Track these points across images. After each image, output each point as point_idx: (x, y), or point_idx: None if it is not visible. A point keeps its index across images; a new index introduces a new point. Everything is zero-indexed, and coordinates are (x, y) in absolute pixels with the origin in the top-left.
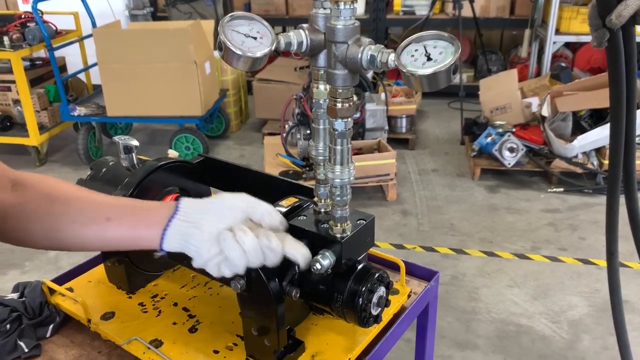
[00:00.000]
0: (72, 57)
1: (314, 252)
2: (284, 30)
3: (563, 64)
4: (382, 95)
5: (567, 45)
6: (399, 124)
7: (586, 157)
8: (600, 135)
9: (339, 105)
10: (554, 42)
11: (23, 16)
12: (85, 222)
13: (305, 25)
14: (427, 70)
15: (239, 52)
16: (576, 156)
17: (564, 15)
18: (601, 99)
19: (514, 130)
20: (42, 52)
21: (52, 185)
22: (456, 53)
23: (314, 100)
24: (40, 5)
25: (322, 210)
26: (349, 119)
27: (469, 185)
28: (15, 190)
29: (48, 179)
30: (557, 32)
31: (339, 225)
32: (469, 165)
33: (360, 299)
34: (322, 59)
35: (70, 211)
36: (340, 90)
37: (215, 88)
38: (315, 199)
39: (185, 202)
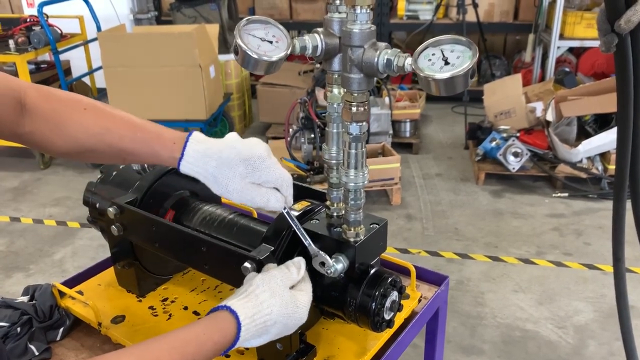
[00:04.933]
0: (76, 60)
1: (324, 253)
2: None
3: (567, 69)
4: (386, 99)
5: (571, 50)
6: (402, 128)
7: (591, 162)
8: (605, 140)
9: (354, 109)
10: (558, 47)
11: (28, 20)
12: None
13: (319, 29)
14: (445, 74)
15: (255, 56)
16: (581, 161)
17: (568, 20)
18: (606, 104)
19: (518, 134)
20: (47, 56)
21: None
22: (474, 57)
23: (327, 104)
24: (45, 9)
25: (335, 214)
26: (364, 123)
27: (473, 190)
28: (24, 115)
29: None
30: (561, 37)
31: (352, 229)
32: (473, 169)
33: (374, 304)
34: (336, 62)
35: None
36: (356, 94)
37: (220, 92)
38: (328, 202)
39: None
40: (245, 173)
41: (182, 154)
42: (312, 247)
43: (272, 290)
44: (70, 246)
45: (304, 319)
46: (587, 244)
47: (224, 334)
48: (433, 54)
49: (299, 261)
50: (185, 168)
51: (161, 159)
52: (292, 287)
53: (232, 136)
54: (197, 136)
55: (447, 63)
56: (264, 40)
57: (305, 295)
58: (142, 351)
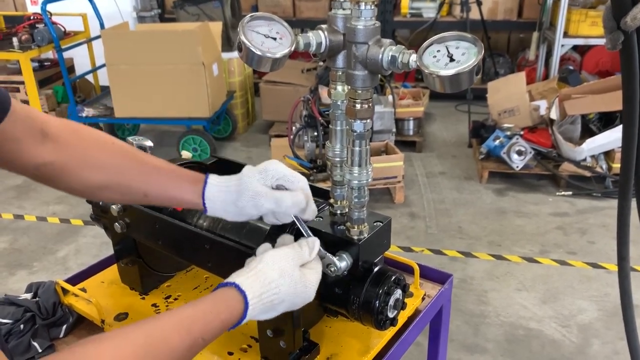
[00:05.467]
0: (80, 58)
1: (331, 254)
2: None
3: (571, 67)
4: (390, 97)
5: (575, 48)
6: (406, 127)
7: (595, 160)
8: (609, 138)
9: (358, 106)
10: (562, 45)
11: (32, 17)
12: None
13: (323, 26)
14: (450, 71)
15: (259, 53)
16: (585, 159)
17: (572, 18)
18: (610, 102)
19: (522, 133)
20: (50, 54)
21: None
22: (479, 54)
23: (331, 101)
24: (49, 7)
25: (338, 211)
26: (368, 120)
27: (476, 189)
28: (46, 144)
29: (77, 132)
30: (565, 35)
31: (356, 227)
32: (476, 168)
33: (377, 302)
34: (340, 59)
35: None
36: (360, 91)
37: (223, 90)
38: (331, 200)
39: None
40: (262, 179)
41: (206, 182)
42: (320, 250)
43: (281, 270)
44: (74, 244)
45: (311, 298)
46: (591, 243)
47: (231, 311)
48: (438, 51)
49: (313, 241)
50: (210, 192)
51: (185, 191)
52: (302, 265)
53: (247, 166)
54: (213, 175)
55: (452, 60)
56: (268, 37)
57: (314, 274)
58: (151, 327)
